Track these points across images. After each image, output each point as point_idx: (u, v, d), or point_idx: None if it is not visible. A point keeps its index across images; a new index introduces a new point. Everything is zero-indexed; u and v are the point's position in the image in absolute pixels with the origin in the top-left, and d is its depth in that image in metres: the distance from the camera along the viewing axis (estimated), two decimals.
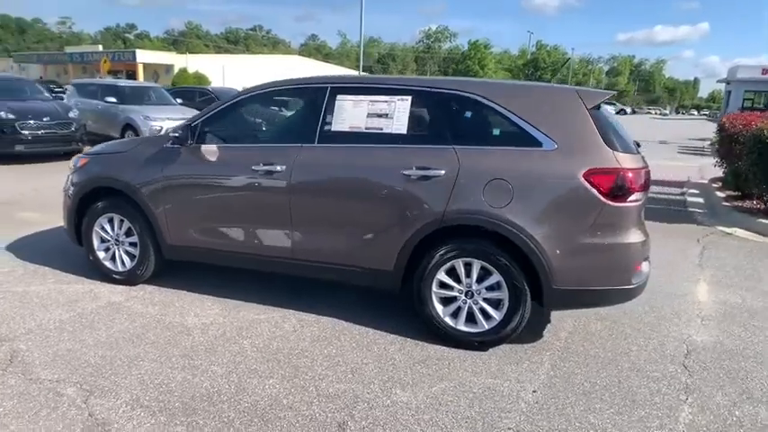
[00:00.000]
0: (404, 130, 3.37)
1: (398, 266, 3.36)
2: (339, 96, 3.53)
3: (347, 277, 3.59)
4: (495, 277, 3.20)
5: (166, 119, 11.80)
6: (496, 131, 3.31)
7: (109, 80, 17.41)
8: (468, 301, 3.30)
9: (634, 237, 3.12)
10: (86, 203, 4.19)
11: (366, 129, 3.45)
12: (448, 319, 3.34)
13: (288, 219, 3.60)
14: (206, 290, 4.12)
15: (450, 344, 3.36)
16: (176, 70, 44.83)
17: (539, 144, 3.13)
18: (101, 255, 4.22)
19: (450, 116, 3.42)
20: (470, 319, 3.31)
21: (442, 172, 3.22)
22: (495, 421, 2.62)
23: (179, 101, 14.42)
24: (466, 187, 3.17)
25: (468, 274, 3.26)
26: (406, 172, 3.26)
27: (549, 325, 3.74)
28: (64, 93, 16.70)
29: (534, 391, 2.90)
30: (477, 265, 3.23)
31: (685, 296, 4.46)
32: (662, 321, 3.91)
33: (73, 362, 3.02)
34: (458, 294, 3.31)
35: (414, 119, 3.38)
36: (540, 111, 3.20)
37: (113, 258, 4.19)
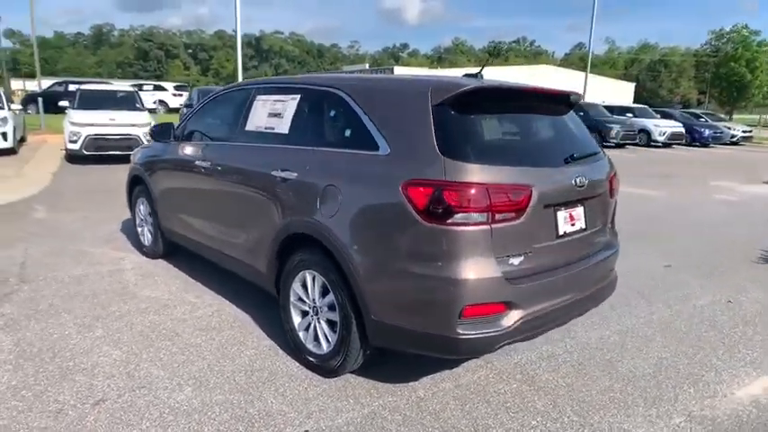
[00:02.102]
0: (286, 130, 3.26)
1: (269, 269, 3.28)
2: (258, 97, 3.61)
3: (244, 273, 3.64)
4: (332, 295, 2.86)
5: None
6: (348, 132, 2.92)
7: None
8: (314, 318, 3.03)
9: (463, 271, 2.38)
10: None
11: (265, 128, 3.45)
12: (301, 334, 3.12)
13: (213, 212, 3.86)
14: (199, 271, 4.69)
15: (300, 360, 3.13)
16: None
17: (376, 148, 2.67)
18: None
19: (316, 115, 3.18)
20: (318, 338, 3.03)
21: (295, 174, 3.03)
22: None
23: None
24: (309, 192, 2.93)
25: (315, 288, 2.99)
26: (273, 173, 3.17)
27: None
28: None
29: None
30: (319, 279, 2.93)
31: None
32: None
33: None
34: (309, 309, 3.06)
35: (295, 118, 3.24)
36: (387, 109, 2.74)
37: None
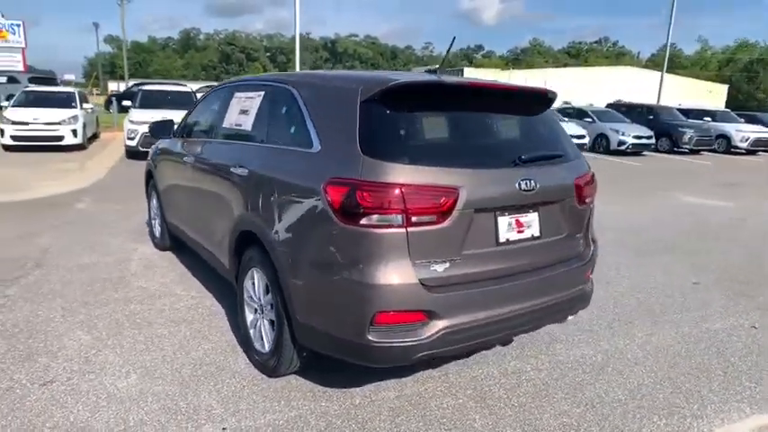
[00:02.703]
0: (249, 127, 3.28)
1: (231, 265, 3.30)
2: (235, 94, 3.65)
3: (218, 267, 3.69)
4: (271, 294, 2.83)
5: None
6: (292, 128, 2.86)
7: None
8: (260, 316, 3.01)
9: (375, 276, 2.26)
10: None
11: (234, 125, 3.49)
12: (251, 332, 3.12)
13: (195, 207, 3.96)
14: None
15: (250, 358, 3.12)
16: None
17: (310, 145, 2.61)
18: None
19: (272, 111, 3.14)
20: (262, 336, 3.01)
21: (246, 171, 3.03)
22: None
23: None
24: (254, 189, 2.93)
25: (260, 286, 2.98)
26: (232, 169, 3.19)
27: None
28: None
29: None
30: (263, 278, 2.91)
31: None
32: None
33: None
34: (257, 307, 3.05)
35: (257, 115, 3.24)
36: (322, 105, 2.67)
37: None
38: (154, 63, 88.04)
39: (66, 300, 3.96)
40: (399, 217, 2.23)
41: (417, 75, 2.69)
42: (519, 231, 2.60)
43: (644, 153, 17.61)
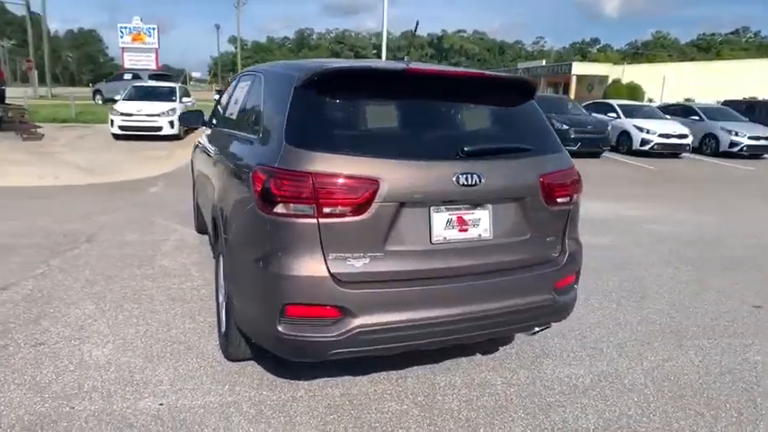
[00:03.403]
0: (236, 115, 3.36)
1: (213, 249, 3.41)
2: (238, 84, 3.75)
3: None
4: None
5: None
6: (254, 116, 2.85)
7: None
8: (223, 299, 3.07)
9: (284, 266, 2.19)
10: None
11: (228, 114, 3.59)
12: (220, 314, 3.19)
13: (204, 192, 4.14)
14: None
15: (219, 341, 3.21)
16: (610, 81, 44.37)
17: (257, 132, 2.60)
18: None
19: (247, 99, 3.16)
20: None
21: (221, 158, 3.12)
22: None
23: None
24: (220, 176, 2.99)
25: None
26: (214, 156, 3.29)
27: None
28: None
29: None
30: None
31: None
32: None
33: None
34: (222, 289, 3.12)
35: (242, 103, 3.29)
36: (269, 92, 2.66)
37: None
38: (270, 61, 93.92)
39: (93, 272, 4.34)
40: (311, 207, 2.15)
41: (368, 61, 2.56)
42: (462, 230, 2.39)
43: (765, 156, 15.45)
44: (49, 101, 28.10)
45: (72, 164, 9.99)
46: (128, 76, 29.07)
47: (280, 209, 2.18)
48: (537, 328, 2.76)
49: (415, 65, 2.53)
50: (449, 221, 2.36)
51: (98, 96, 29.21)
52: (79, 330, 3.33)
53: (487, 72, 2.59)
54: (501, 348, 3.32)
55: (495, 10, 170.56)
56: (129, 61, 35.06)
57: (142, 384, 2.77)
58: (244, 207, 2.44)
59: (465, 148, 2.34)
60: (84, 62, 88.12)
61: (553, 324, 3.53)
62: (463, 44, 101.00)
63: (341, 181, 2.16)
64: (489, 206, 2.44)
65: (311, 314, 2.23)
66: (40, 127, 13.99)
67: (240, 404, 2.64)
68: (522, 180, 2.48)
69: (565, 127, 13.21)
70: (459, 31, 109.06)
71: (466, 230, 2.40)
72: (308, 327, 2.24)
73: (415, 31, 2.93)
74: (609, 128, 14.12)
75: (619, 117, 15.44)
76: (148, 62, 35.54)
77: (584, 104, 16.66)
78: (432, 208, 2.32)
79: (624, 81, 42.10)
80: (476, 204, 2.40)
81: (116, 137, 13.41)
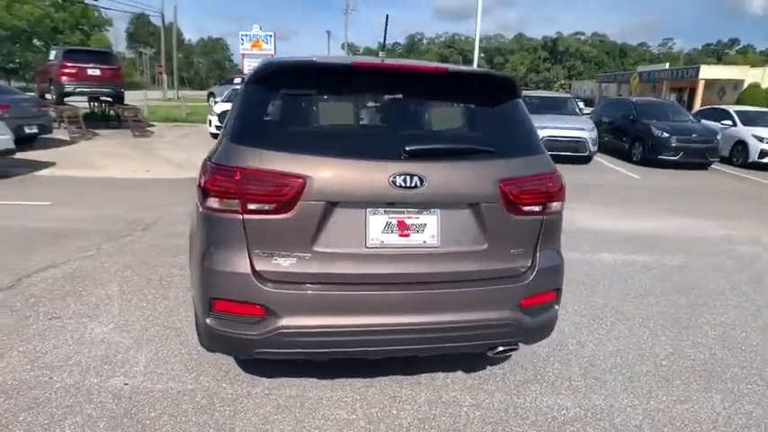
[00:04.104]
0: None
1: None
2: None
3: None
4: None
5: None
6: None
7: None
8: None
9: (211, 260, 2.20)
10: None
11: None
12: None
13: None
14: None
15: None
16: (746, 86, 39.67)
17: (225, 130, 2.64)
18: None
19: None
20: None
21: None
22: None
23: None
24: None
25: None
26: None
27: None
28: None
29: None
30: None
31: None
32: None
33: None
34: None
35: None
36: (239, 92, 2.64)
37: None
38: None
39: (133, 257, 4.71)
40: (236, 202, 2.14)
41: (320, 57, 2.47)
42: (403, 235, 2.23)
43: None
44: (172, 102, 31.18)
45: (167, 159, 10.98)
46: (237, 80, 31.39)
47: (213, 203, 2.19)
48: (501, 348, 2.50)
49: (370, 59, 2.42)
50: (388, 225, 2.22)
51: (212, 98, 31.88)
52: (94, 309, 3.62)
53: (452, 66, 2.39)
54: (489, 367, 3.07)
55: (617, 11, 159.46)
56: (248, 66, 37.82)
57: (119, 364, 2.94)
58: (196, 203, 2.50)
59: (406, 148, 2.19)
60: (213, 68, 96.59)
61: (545, 347, 3.24)
62: (579, 47, 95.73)
63: (267, 177, 2.12)
64: (438, 211, 2.26)
65: (236, 311, 2.21)
66: (152, 126, 15.55)
67: (196, 393, 2.70)
68: (475, 185, 2.26)
69: (665, 135, 11.97)
70: (577, 34, 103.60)
71: (408, 236, 2.24)
72: (233, 323, 2.23)
73: (386, 27, 2.80)
74: (719, 137, 12.52)
75: (735, 125, 13.63)
76: None
77: (695, 111, 14.95)
78: (369, 210, 2.20)
79: (765, 86, 37.34)
80: (421, 209, 2.24)
81: (213, 136, 14.49)
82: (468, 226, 2.30)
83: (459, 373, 2.99)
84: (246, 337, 2.21)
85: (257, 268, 2.18)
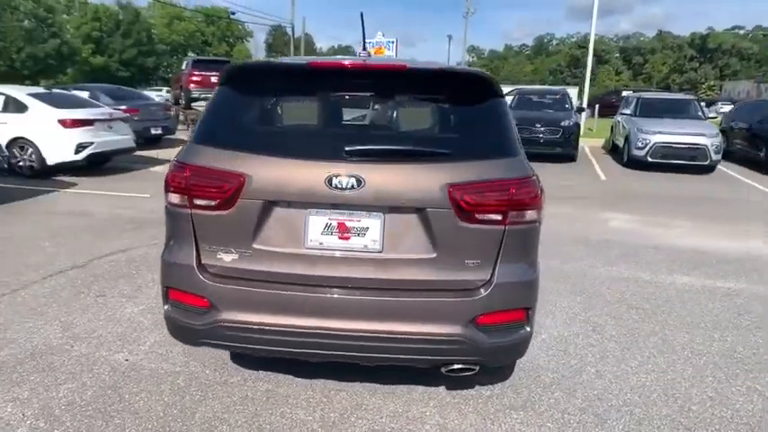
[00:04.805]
0: None
1: None
2: None
3: None
4: None
5: None
6: None
7: None
8: None
9: (166, 251, 2.43)
10: None
11: None
12: None
13: None
14: None
15: None
16: None
17: None
18: None
19: None
20: None
21: None
22: None
23: None
24: None
25: None
26: None
27: None
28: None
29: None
30: None
31: None
32: None
33: None
34: None
35: None
36: None
37: None
38: (504, 69, 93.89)
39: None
40: (184, 198, 2.25)
41: (289, 58, 2.48)
42: (343, 238, 2.17)
43: None
44: None
45: None
46: None
47: (171, 198, 2.32)
48: (456, 366, 2.31)
49: (331, 58, 2.39)
50: (328, 226, 2.18)
51: None
52: (136, 291, 4.02)
53: (412, 64, 2.26)
54: (477, 387, 2.86)
55: None
56: None
57: (130, 342, 3.23)
58: None
59: (345, 149, 2.12)
60: None
61: (553, 372, 2.93)
62: (736, 42, 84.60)
63: (210, 174, 2.20)
64: (382, 215, 2.16)
65: (185, 300, 2.32)
66: None
67: (179, 375, 2.88)
68: (421, 188, 2.12)
69: None
70: (735, 28, 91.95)
71: (348, 239, 2.17)
72: (183, 312, 2.35)
73: (363, 24, 2.71)
74: None
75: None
76: None
77: None
78: (309, 210, 2.18)
79: None
80: (363, 212, 2.16)
81: None
82: (415, 232, 2.17)
83: (442, 389, 2.83)
84: (192, 326, 2.31)
85: (203, 261, 2.28)
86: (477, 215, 2.14)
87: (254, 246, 2.22)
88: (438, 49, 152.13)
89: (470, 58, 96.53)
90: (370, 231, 2.17)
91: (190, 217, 2.26)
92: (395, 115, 2.41)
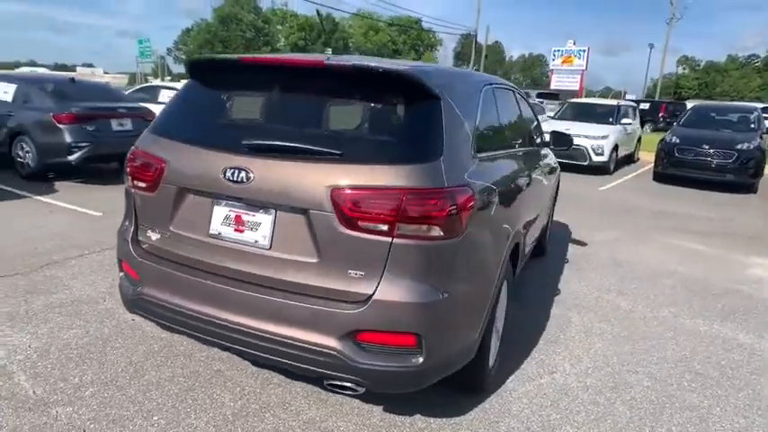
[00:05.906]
0: None
1: None
2: None
3: None
4: None
5: None
6: None
7: None
8: None
9: (121, 227, 2.64)
10: None
11: None
12: None
13: None
14: None
15: None
16: None
17: None
18: None
19: None
20: None
21: None
22: None
23: None
24: None
25: None
26: None
27: None
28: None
29: None
30: None
31: None
32: None
33: None
34: None
35: None
36: None
37: None
38: (723, 84, 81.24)
39: None
40: (129, 179, 2.48)
41: (246, 56, 2.52)
42: (237, 230, 2.18)
43: None
44: None
45: None
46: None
47: (127, 179, 2.58)
48: (334, 382, 2.14)
49: (262, 56, 2.41)
50: (227, 217, 2.20)
51: None
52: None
53: (337, 60, 2.12)
54: (438, 416, 2.60)
55: None
56: (556, 82, 36.98)
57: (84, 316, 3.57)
58: None
59: (242, 142, 2.12)
60: (530, 85, 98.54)
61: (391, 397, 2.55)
62: None
63: (143, 157, 2.41)
64: (273, 212, 2.11)
65: (128, 271, 2.55)
66: None
67: (158, 341, 3.17)
68: (304, 189, 2.00)
69: None
70: None
71: (242, 231, 2.17)
72: (125, 282, 2.58)
73: (321, 22, 2.59)
74: None
75: None
76: (572, 83, 36.64)
77: None
78: (215, 200, 2.23)
79: None
80: (259, 206, 2.14)
81: None
82: (301, 234, 2.07)
83: (378, 410, 2.64)
84: (127, 295, 2.54)
85: (139, 237, 2.50)
86: (360, 223, 1.97)
87: (171, 228, 2.36)
88: (643, 59, 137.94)
89: (681, 70, 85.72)
90: (262, 227, 2.15)
91: (132, 197, 2.50)
92: (307, 112, 2.33)
